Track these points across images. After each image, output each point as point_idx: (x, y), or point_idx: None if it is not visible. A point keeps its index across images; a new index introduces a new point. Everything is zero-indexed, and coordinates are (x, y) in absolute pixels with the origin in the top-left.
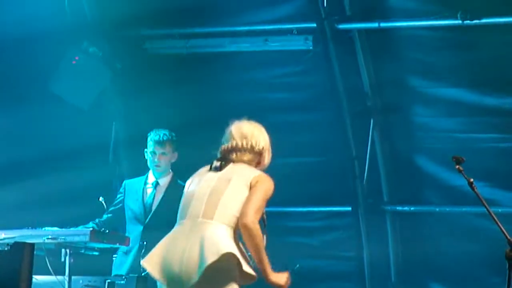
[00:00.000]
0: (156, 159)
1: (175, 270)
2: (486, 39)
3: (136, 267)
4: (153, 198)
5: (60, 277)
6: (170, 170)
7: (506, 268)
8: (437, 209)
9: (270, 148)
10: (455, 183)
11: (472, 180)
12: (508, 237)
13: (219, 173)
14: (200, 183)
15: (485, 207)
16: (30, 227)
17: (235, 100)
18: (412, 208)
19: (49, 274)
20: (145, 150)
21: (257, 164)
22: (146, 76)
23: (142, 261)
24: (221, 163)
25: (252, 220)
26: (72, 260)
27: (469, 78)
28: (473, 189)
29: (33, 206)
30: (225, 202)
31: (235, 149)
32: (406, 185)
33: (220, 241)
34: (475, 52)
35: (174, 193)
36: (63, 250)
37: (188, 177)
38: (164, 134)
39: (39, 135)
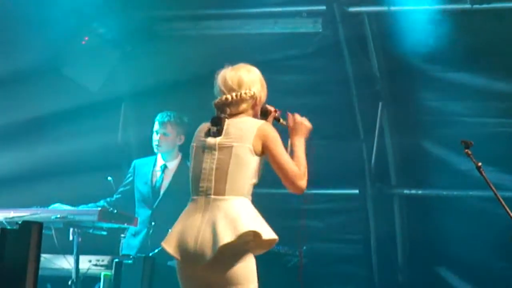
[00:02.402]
0: (156, 138)
1: (190, 247)
2: (495, 23)
3: (143, 250)
4: (162, 182)
5: (68, 256)
6: (179, 153)
7: None
8: (445, 193)
9: (264, 84)
10: (463, 167)
11: (480, 164)
12: None
13: (219, 139)
14: (204, 155)
15: (493, 191)
16: (38, 206)
17: None
18: (419, 192)
19: (57, 252)
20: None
21: (254, 106)
22: (156, 58)
23: (162, 243)
24: (217, 128)
25: (304, 184)
26: (80, 239)
27: (478, 62)
28: (481, 173)
29: (41, 183)
30: (232, 175)
31: (227, 104)
32: (414, 168)
33: (236, 220)
34: (484, 36)
35: (182, 177)
36: (71, 229)
37: None
38: (168, 115)
39: (47, 115)
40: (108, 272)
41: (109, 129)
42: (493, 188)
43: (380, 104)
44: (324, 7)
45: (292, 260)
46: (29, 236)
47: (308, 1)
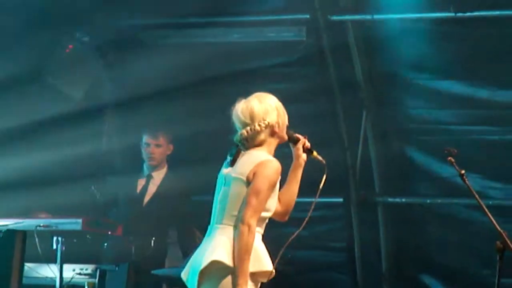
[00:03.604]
0: (149, 151)
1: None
2: (478, 31)
3: (125, 257)
4: (146, 191)
5: (51, 265)
6: (166, 164)
7: (496, 260)
8: (429, 201)
9: (280, 110)
10: (446, 175)
11: (463, 172)
12: (499, 229)
13: (230, 170)
14: (219, 185)
15: (476, 199)
16: (21, 215)
17: (229, 90)
18: (403, 200)
19: (41, 261)
20: (140, 143)
21: (273, 134)
22: (140, 66)
23: (182, 274)
24: (231, 159)
25: (244, 222)
26: (63, 248)
27: (462, 71)
28: (464, 181)
29: (24, 192)
30: (229, 204)
31: (244, 139)
32: (398, 176)
33: (216, 248)
34: (467, 45)
35: (167, 188)
36: (55, 237)
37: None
38: (157, 126)
39: (30, 123)
40: (92, 281)
41: (92, 138)
42: (477, 196)
43: (364, 112)
44: (308, 16)
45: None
46: (13, 245)
47: (292, 9)
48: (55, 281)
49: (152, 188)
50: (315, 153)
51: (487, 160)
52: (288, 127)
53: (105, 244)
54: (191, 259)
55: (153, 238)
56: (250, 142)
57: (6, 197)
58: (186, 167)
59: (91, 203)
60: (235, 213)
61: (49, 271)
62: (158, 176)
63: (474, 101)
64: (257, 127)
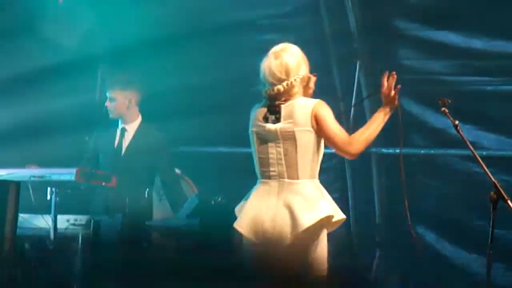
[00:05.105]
0: (106, 104)
1: (267, 229)
2: None
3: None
4: (122, 145)
5: (46, 216)
6: (139, 114)
7: (490, 211)
8: (422, 152)
9: (306, 60)
10: (441, 125)
11: (457, 122)
12: (493, 179)
13: (279, 126)
14: (268, 141)
15: (470, 149)
16: (14, 166)
17: (222, 40)
18: (397, 151)
19: (35, 212)
20: None
21: (304, 85)
22: (133, 18)
23: (234, 225)
24: (275, 116)
25: (353, 150)
26: (57, 199)
27: (456, 21)
28: (458, 131)
29: (17, 144)
30: (302, 160)
31: (281, 93)
32: (392, 127)
33: (314, 204)
34: None
35: (142, 139)
36: (48, 188)
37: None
38: (112, 81)
39: (23, 75)
40: (87, 231)
41: (86, 90)
42: (470, 147)
43: (358, 63)
44: None
45: None
46: (7, 196)
47: None
48: (49, 231)
49: (126, 141)
50: None
51: (481, 111)
52: None
53: (98, 195)
54: (259, 212)
55: (147, 189)
56: (285, 96)
57: None
58: (171, 120)
59: (85, 154)
60: (310, 163)
61: (43, 221)
62: (131, 128)
63: (468, 52)
64: (294, 82)
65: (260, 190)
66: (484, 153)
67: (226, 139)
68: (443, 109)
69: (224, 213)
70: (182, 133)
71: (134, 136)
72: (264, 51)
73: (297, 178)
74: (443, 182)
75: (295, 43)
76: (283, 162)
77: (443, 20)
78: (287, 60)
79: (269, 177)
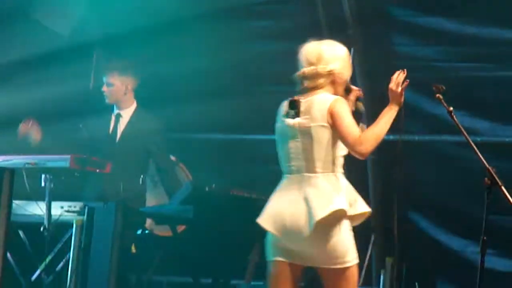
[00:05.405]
0: (103, 89)
1: (288, 223)
2: None
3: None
4: (117, 130)
5: (40, 202)
6: (134, 100)
7: (484, 197)
8: (417, 138)
9: (347, 63)
10: (435, 111)
11: (451, 108)
12: (487, 165)
13: (297, 121)
14: (288, 135)
15: (464, 136)
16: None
17: (217, 27)
18: (391, 137)
19: (29, 199)
20: None
21: (333, 83)
22: (128, 3)
23: (258, 220)
24: (294, 111)
25: (363, 149)
26: (52, 185)
27: (451, 7)
28: (452, 118)
29: (11, 130)
30: (319, 154)
31: (304, 77)
32: None
33: (328, 197)
34: None
35: (137, 125)
36: (43, 175)
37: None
38: (109, 66)
39: (17, 61)
40: (81, 218)
41: (81, 76)
42: (465, 133)
43: (352, 49)
44: None
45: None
46: (1, 183)
47: None
48: (43, 218)
49: (121, 127)
50: (359, 104)
51: (475, 97)
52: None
53: (93, 182)
54: (280, 205)
55: (142, 176)
56: (309, 82)
57: None
58: (165, 106)
59: (80, 140)
60: (329, 158)
61: (37, 208)
62: (127, 114)
63: (462, 38)
64: (319, 70)
65: (283, 185)
66: (478, 139)
67: (221, 125)
68: (437, 95)
69: (218, 200)
70: (177, 119)
71: (129, 122)
72: (259, 37)
73: (315, 172)
74: (437, 168)
75: (289, 29)
76: (302, 156)
77: (437, 7)
78: (324, 48)
79: (291, 172)
